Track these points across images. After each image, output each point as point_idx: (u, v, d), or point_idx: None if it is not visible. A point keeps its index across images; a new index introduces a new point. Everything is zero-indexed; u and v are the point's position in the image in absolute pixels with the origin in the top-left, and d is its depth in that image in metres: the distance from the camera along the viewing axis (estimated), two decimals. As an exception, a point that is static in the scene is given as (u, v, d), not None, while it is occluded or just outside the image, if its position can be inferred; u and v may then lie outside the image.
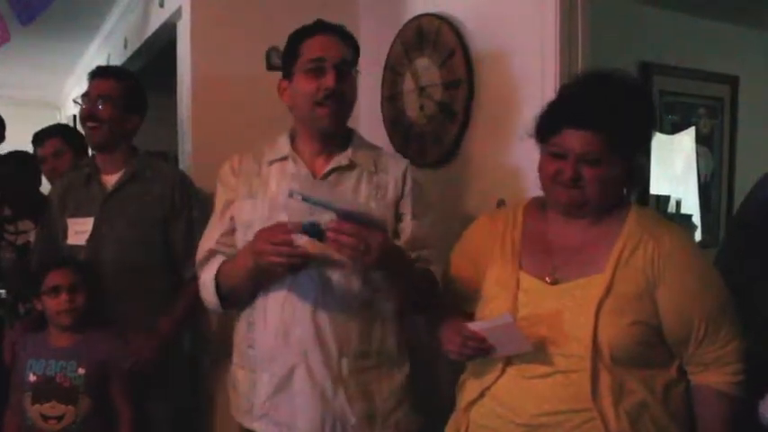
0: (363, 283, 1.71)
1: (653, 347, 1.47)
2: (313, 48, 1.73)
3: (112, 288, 2.23)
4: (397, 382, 1.78)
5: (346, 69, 1.74)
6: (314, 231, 1.50)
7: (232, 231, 1.81)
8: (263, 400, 1.73)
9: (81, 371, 2.10)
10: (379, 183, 1.77)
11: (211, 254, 1.81)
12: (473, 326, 1.53)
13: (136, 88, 2.39)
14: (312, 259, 1.59)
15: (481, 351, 1.51)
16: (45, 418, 2.09)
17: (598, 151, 1.47)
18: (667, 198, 3.97)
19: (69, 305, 2.13)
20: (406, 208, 1.78)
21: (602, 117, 1.46)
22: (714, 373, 1.49)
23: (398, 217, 1.78)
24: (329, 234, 1.48)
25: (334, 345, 1.69)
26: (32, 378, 2.12)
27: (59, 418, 2.08)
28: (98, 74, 2.36)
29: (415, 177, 1.83)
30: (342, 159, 1.76)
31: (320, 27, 1.77)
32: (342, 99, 1.73)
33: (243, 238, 1.76)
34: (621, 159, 1.50)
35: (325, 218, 1.52)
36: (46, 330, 2.20)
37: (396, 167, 1.81)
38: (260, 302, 1.75)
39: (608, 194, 1.52)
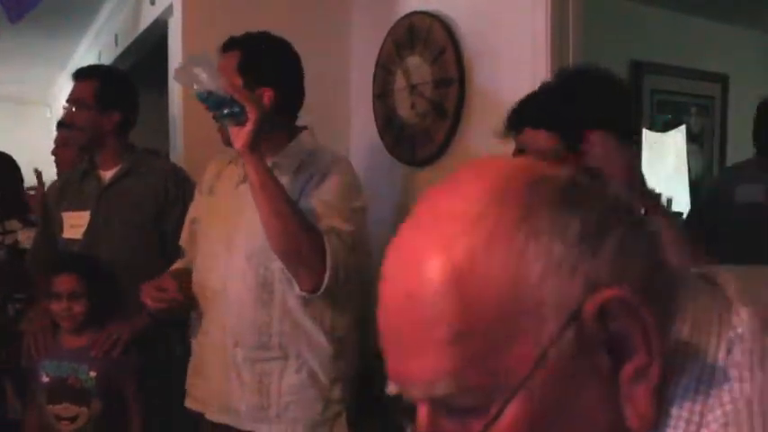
0: (260, 277, 1.74)
1: None
2: None
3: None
4: (297, 380, 1.77)
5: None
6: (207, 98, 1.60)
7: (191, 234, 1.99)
8: (189, 379, 1.92)
9: (92, 374, 2.09)
10: (296, 182, 1.76)
11: (181, 251, 2.05)
12: None
13: (112, 84, 2.37)
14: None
15: None
16: (59, 418, 2.08)
17: (556, 149, 1.47)
18: (658, 195, 3.98)
19: (67, 312, 2.12)
20: (312, 195, 1.74)
21: (554, 116, 1.47)
22: None
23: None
24: (227, 87, 1.59)
25: (230, 334, 1.77)
26: (45, 379, 2.12)
27: (73, 419, 2.07)
28: (74, 77, 2.38)
29: (340, 170, 1.78)
30: (266, 162, 1.78)
31: (223, 44, 1.83)
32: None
33: (197, 230, 1.95)
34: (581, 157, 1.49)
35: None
36: (60, 330, 2.18)
37: (316, 166, 1.78)
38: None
39: None
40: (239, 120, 1.60)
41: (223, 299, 1.79)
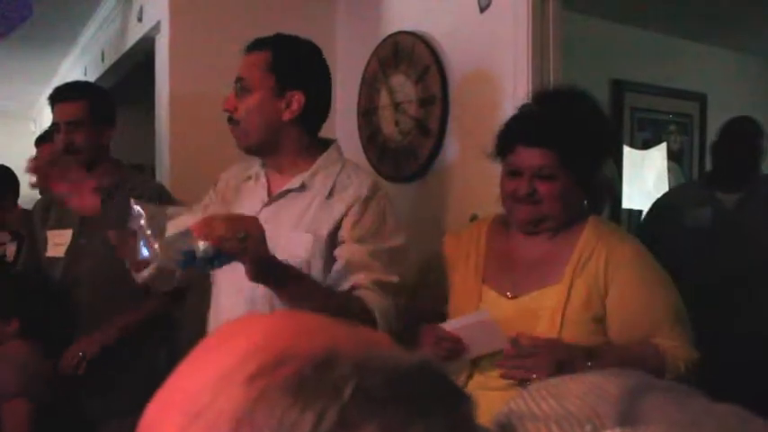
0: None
1: None
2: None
3: (88, 299, 2.23)
4: None
5: (244, 88, 1.67)
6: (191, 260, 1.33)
7: None
8: None
9: None
10: (330, 209, 1.63)
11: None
12: (447, 325, 1.54)
13: (101, 99, 2.36)
14: None
15: (455, 352, 1.51)
16: None
17: (550, 166, 1.51)
18: (639, 212, 4.04)
19: None
20: (347, 234, 1.60)
21: (551, 134, 1.51)
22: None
23: (336, 244, 1.62)
24: (194, 228, 1.31)
25: None
26: None
27: None
28: (59, 98, 2.30)
29: (378, 200, 1.65)
30: (295, 182, 1.68)
31: (249, 44, 1.72)
32: (233, 121, 1.68)
33: None
34: (576, 174, 1.53)
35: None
36: None
37: (354, 192, 1.64)
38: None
39: (565, 209, 1.56)
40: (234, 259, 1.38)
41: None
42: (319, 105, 1.71)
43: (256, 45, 1.70)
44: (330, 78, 1.76)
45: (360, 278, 1.56)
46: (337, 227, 1.61)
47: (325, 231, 1.61)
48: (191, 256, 1.31)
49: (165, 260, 1.36)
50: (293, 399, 0.42)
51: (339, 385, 0.43)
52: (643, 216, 3.44)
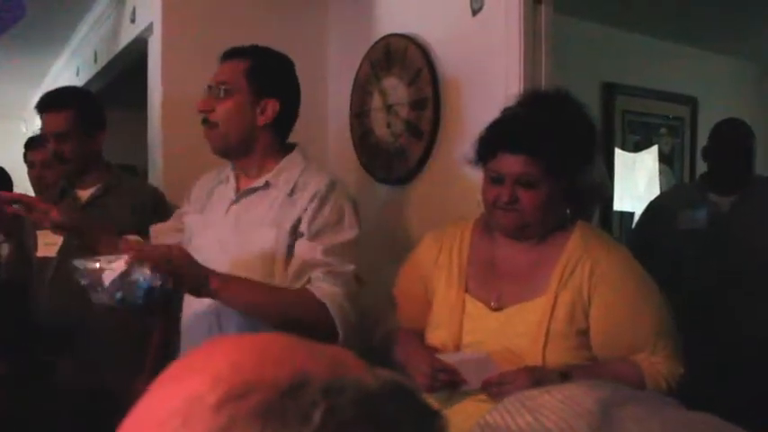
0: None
1: None
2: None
3: (81, 303, 2.22)
4: None
5: (226, 91, 1.76)
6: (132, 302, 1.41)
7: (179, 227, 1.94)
8: None
9: None
10: (292, 205, 1.73)
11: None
12: (445, 357, 1.51)
13: (89, 107, 2.35)
14: None
15: (451, 384, 1.48)
16: None
17: (532, 174, 1.48)
18: (631, 215, 4.06)
19: None
20: (305, 227, 1.70)
21: (535, 141, 1.48)
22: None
23: (296, 237, 1.72)
24: (126, 253, 1.39)
25: None
26: None
27: None
28: (45, 108, 2.30)
29: (335, 197, 1.73)
30: (259, 181, 1.78)
31: (226, 52, 1.83)
32: (209, 123, 1.77)
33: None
34: (559, 181, 1.51)
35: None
36: None
37: (312, 187, 1.73)
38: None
39: (547, 216, 1.54)
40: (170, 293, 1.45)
41: (216, 330, 1.70)
42: (290, 113, 1.85)
43: (235, 53, 1.82)
44: (299, 89, 1.88)
45: (314, 274, 1.65)
46: (299, 221, 1.72)
47: (287, 225, 1.71)
48: (130, 291, 1.40)
49: (109, 302, 1.45)
50: (261, 426, 0.42)
51: (309, 411, 0.43)
52: (637, 218, 3.45)
